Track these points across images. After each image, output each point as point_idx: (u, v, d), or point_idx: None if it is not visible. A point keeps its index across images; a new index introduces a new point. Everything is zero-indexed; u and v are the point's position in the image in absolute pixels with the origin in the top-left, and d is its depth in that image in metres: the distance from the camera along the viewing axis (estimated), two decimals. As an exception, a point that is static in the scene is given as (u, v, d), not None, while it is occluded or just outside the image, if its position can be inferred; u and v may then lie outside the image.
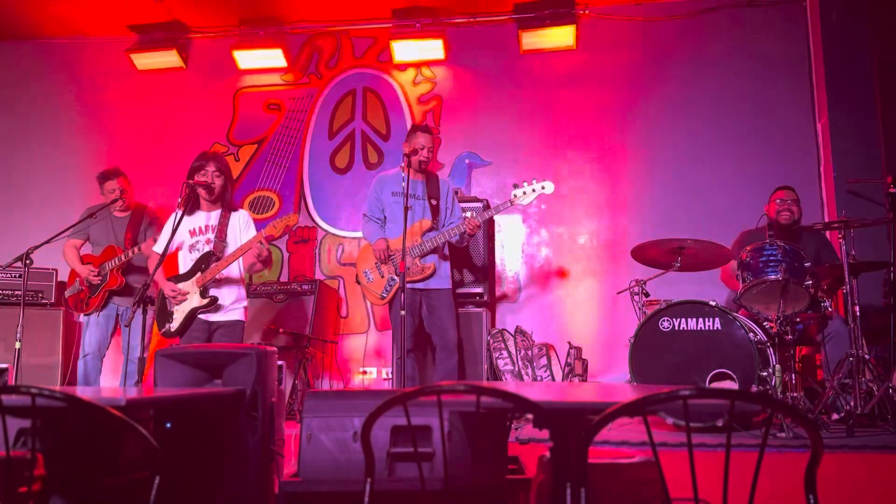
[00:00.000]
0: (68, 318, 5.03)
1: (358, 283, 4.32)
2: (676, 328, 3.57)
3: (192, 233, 3.90)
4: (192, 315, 3.78)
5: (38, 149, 6.22)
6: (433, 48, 5.81)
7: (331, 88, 6.11)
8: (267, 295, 5.12)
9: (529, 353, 4.52)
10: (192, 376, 2.36)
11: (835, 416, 3.52)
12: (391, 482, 1.93)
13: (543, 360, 4.48)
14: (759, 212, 4.38)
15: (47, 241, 4.02)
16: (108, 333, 4.49)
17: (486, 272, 4.89)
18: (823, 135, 5.20)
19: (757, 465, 1.19)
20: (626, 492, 1.51)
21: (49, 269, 5.04)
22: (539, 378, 4.42)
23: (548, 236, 5.63)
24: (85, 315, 4.48)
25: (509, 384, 3.66)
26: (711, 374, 3.45)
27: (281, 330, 4.78)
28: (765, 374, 3.38)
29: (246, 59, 6.03)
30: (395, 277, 4.08)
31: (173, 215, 3.88)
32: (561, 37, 5.67)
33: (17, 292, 4.85)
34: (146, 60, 6.11)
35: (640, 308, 4.01)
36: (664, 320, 3.60)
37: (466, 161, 5.81)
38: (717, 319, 3.51)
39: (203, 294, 3.77)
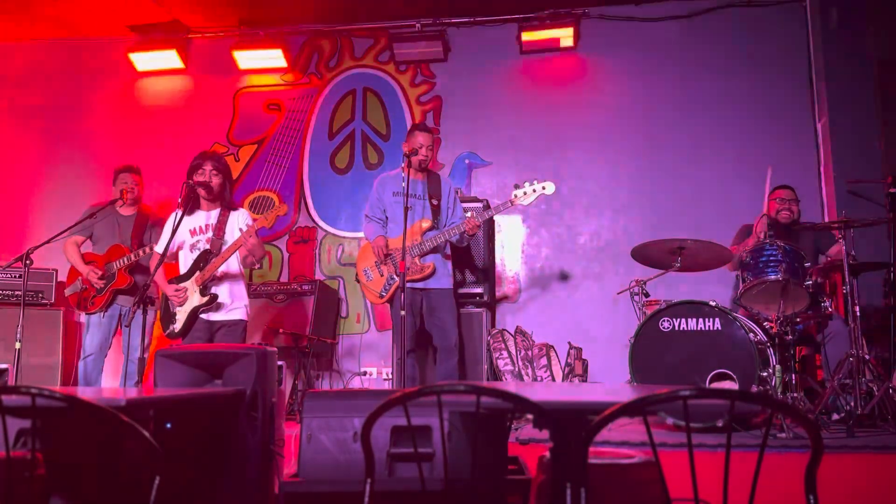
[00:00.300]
0: (68, 318, 5.03)
1: (358, 281, 4.34)
2: (676, 328, 3.57)
3: (193, 232, 3.90)
4: (194, 314, 3.78)
5: (38, 149, 6.22)
6: (433, 48, 5.80)
7: (331, 88, 6.11)
8: (267, 295, 5.12)
9: (529, 353, 4.52)
10: (193, 376, 2.36)
11: (835, 417, 3.52)
12: (391, 482, 1.93)
13: (543, 361, 4.48)
14: (760, 212, 4.37)
15: (47, 242, 4.03)
16: (110, 334, 4.48)
17: (487, 272, 4.89)
18: (823, 135, 5.20)
19: (757, 466, 1.19)
20: (626, 492, 1.51)
21: (49, 269, 5.04)
22: (539, 378, 4.42)
23: (548, 236, 5.63)
24: (87, 314, 4.47)
25: (509, 384, 3.66)
26: (711, 375, 3.45)
27: (281, 330, 4.78)
28: (765, 374, 3.38)
29: (246, 59, 6.03)
30: (395, 276, 4.09)
31: (173, 215, 3.89)
32: (561, 37, 5.66)
33: (17, 292, 4.85)
34: (146, 61, 6.12)
35: (640, 308, 4.01)
36: (664, 320, 3.59)
37: (466, 161, 5.81)
38: (717, 320, 3.51)
39: (203, 292, 3.78)
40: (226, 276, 3.84)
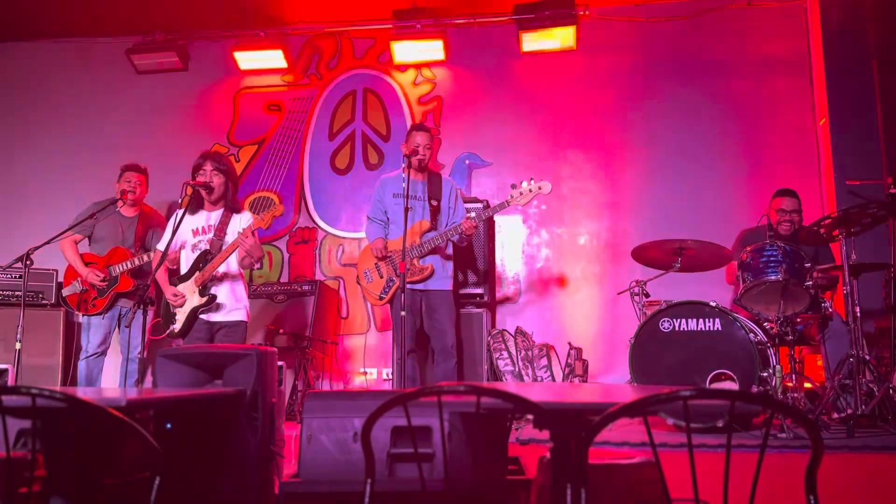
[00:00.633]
0: (69, 318, 5.02)
1: (358, 283, 4.36)
2: (677, 329, 3.56)
3: (195, 232, 3.90)
4: (193, 315, 3.78)
5: (38, 149, 6.22)
6: (433, 49, 5.81)
7: (331, 89, 6.11)
8: (267, 295, 5.12)
9: (530, 353, 4.52)
10: (193, 377, 2.36)
11: (835, 417, 3.51)
12: (391, 483, 1.93)
13: (544, 361, 4.48)
14: (759, 212, 4.37)
15: (48, 242, 4.02)
16: (109, 333, 4.48)
17: (487, 273, 4.90)
18: (823, 135, 5.20)
19: (757, 466, 1.19)
20: (626, 492, 1.51)
21: (49, 269, 5.03)
22: (539, 379, 4.42)
23: (548, 237, 5.63)
24: (86, 316, 4.46)
25: (509, 385, 3.66)
26: (711, 375, 3.45)
27: (281, 330, 4.78)
28: (765, 374, 3.37)
29: (246, 59, 6.03)
30: (394, 278, 4.11)
31: (175, 214, 3.89)
32: (561, 37, 5.67)
33: (17, 293, 4.85)
34: (147, 62, 6.12)
35: (640, 308, 4.01)
36: (664, 321, 3.59)
37: (466, 161, 5.81)
38: (717, 320, 3.50)
39: (202, 293, 3.78)
40: (226, 277, 3.84)
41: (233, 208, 3.96)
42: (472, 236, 4.16)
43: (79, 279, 4.47)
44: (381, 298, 4.19)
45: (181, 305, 3.81)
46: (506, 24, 5.83)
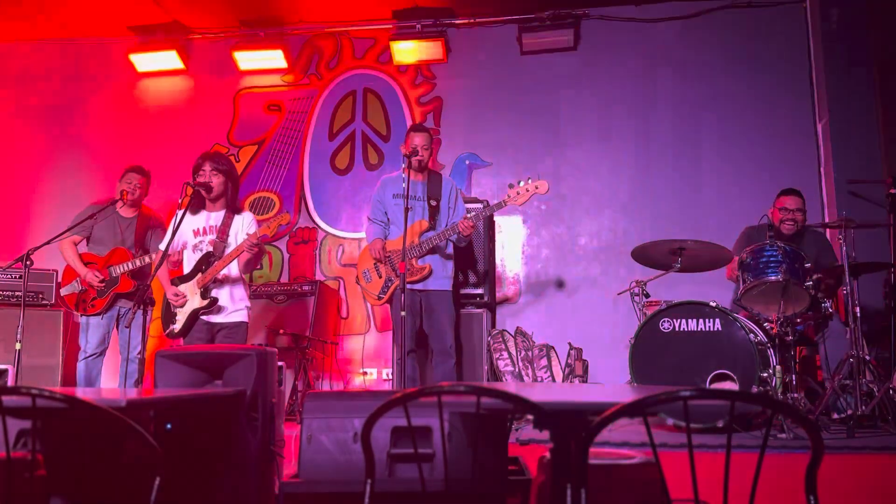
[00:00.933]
0: (69, 318, 5.02)
1: (358, 283, 4.37)
2: (677, 329, 3.56)
3: (196, 233, 3.91)
4: (194, 316, 3.79)
5: (38, 150, 6.22)
6: (433, 49, 5.81)
7: (331, 89, 6.12)
8: (267, 296, 5.12)
9: (530, 353, 4.52)
10: (193, 377, 2.36)
11: (835, 417, 3.51)
12: (391, 483, 1.93)
13: (544, 361, 4.48)
14: (760, 213, 4.35)
15: (48, 242, 4.03)
16: (108, 334, 4.48)
17: (487, 273, 4.90)
18: (824, 135, 5.20)
19: (757, 466, 1.19)
20: (626, 493, 1.51)
21: (49, 270, 5.03)
22: (539, 379, 4.42)
23: (548, 237, 5.63)
24: (84, 316, 4.46)
25: (510, 385, 3.66)
26: (712, 375, 3.45)
27: (281, 331, 4.78)
28: (765, 374, 3.38)
29: (246, 60, 6.03)
30: (393, 278, 4.12)
31: (175, 215, 3.89)
32: (561, 38, 5.67)
33: (17, 293, 4.85)
34: (146, 62, 6.12)
35: (640, 309, 4.01)
36: (664, 321, 3.59)
37: (467, 162, 5.81)
38: (717, 320, 3.50)
39: (204, 295, 3.78)
40: (227, 279, 3.84)
41: (234, 209, 3.96)
42: (470, 236, 4.15)
43: (77, 279, 4.47)
44: (379, 298, 4.21)
45: (182, 306, 3.81)
46: (506, 25, 5.83)
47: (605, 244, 5.51)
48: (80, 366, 4.40)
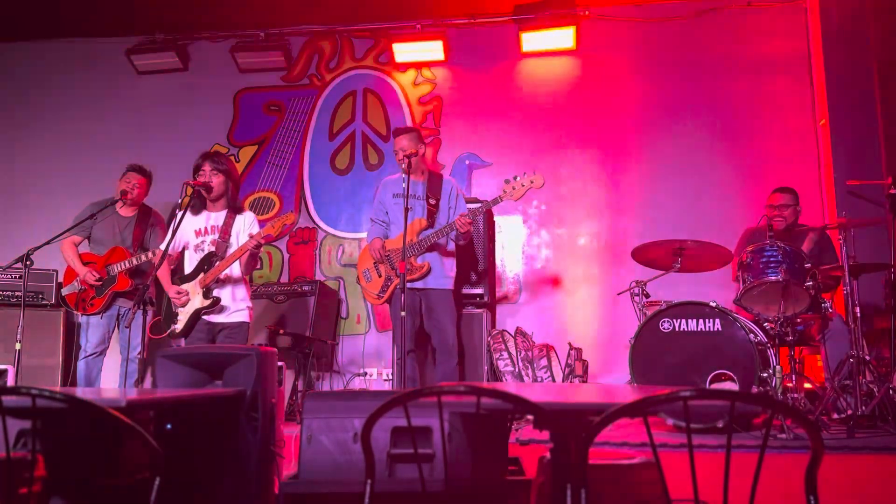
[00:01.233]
0: (68, 319, 5.02)
1: (358, 283, 4.38)
2: (677, 329, 3.56)
3: (198, 233, 3.91)
4: (196, 316, 3.79)
5: (38, 150, 6.22)
6: (433, 49, 5.81)
7: (331, 89, 6.11)
8: (268, 296, 5.12)
9: (530, 354, 4.52)
10: (193, 377, 2.36)
11: (835, 417, 3.51)
12: (391, 483, 1.93)
13: (544, 361, 4.48)
14: (760, 213, 4.38)
15: (48, 242, 4.03)
16: (108, 333, 4.48)
17: (487, 273, 4.90)
18: (823, 135, 5.20)
19: (757, 467, 1.19)
20: (626, 493, 1.51)
21: (49, 270, 5.03)
22: (539, 379, 4.42)
23: (548, 237, 5.63)
24: (84, 315, 4.46)
25: (510, 385, 3.66)
26: (712, 375, 3.45)
27: (282, 331, 4.78)
28: (765, 375, 3.37)
29: (246, 59, 6.02)
30: (393, 277, 4.13)
31: (175, 215, 3.89)
32: (561, 38, 5.67)
33: (17, 293, 4.85)
34: (146, 62, 6.12)
35: (640, 309, 4.01)
36: (664, 321, 3.59)
37: (467, 162, 5.81)
38: (717, 320, 3.50)
39: (206, 295, 3.78)
40: (229, 279, 3.84)
41: (235, 208, 3.96)
42: (468, 233, 4.14)
43: (77, 279, 4.47)
44: (379, 297, 4.22)
45: (184, 305, 3.81)
46: (506, 24, 5.83)
47: (605, 244, 5.51)
48: (81, 365, 4.40)
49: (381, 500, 1.46)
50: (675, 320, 3.57)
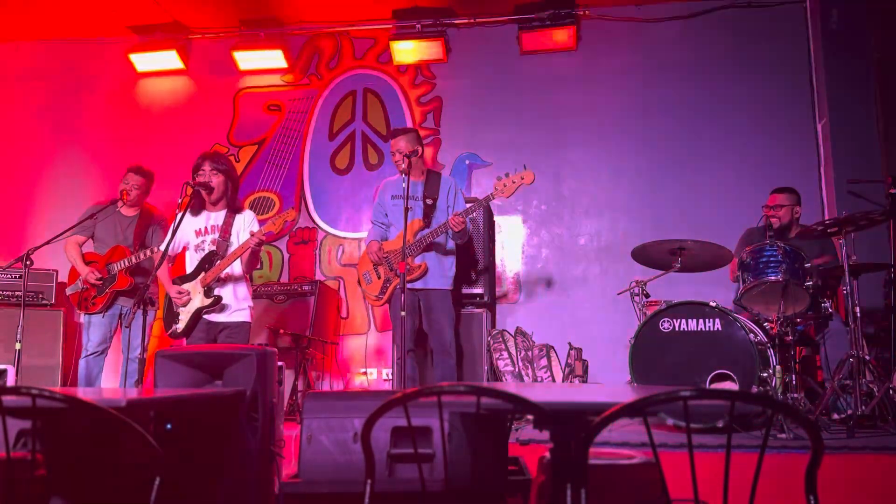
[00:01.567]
0: (69, 318, 5.02)
1: (359, 285, 4.41)
2: (677, 329, 3.56)
3: (198, 233, 3.91)
4: (197, 315, 3.79)
5: (38, 150, 6.22)
6: (433, 49, 5.81)
7: (331, 89, 6.12)
8: (268, 296, 5.12)
9: (530, 353, 4.52)
10: (193, 377, 2.36)
11: (835, 417, 3.51)
12: (391, 483, 1.93)
13: (544, 361, 4.48)
14: (760, 213, 4.38)
15: (48, 242, 4.03)
16: (110, 333, 4.48)
17: (487, 273, 4.90)
18: (823, 135, 5.20)
19: (757, 466, 1.19)
20: (626, 493, 1.51)
21: (49, 270, 5.04)
22: (539, 379, 4.42)
23: (548, 237, 5.63)
24: (86, 314, 4.47)
25: (509, 385, 3.66)
26: (712, 375, 3.45)
27: (282, 331, 4.78)
28: (765, 374, 3.37)
29: (246, 59, 6.03)
30: (392, 278, 4.14)
31: (176, 216, 3.89)
32: (561, 38, 5.67)
33: (17, 293, 4.85)
34: (146, 62, 6.12)
35: (640, 309, 4.01)
36: (664, 321, 3.59)
37: (467, 162, 5.81)
38: (717, 320, 3.50)
39: (207, 294, 3.78)
40: (230, 278, 3.84)
41: (234, 208, 3.96)
42: (464, 232, 4.12)
43: (80, 278, 4.48)
44: (378, 298, 4.23)
45: (186, 304, 3.81)
46: (506, 24, 5.83)
47: (605, 244, 5.51)
48: (81, 364, 4.41)
49: (381, 500, 1.46)
50: (675, 320, 3.57)
